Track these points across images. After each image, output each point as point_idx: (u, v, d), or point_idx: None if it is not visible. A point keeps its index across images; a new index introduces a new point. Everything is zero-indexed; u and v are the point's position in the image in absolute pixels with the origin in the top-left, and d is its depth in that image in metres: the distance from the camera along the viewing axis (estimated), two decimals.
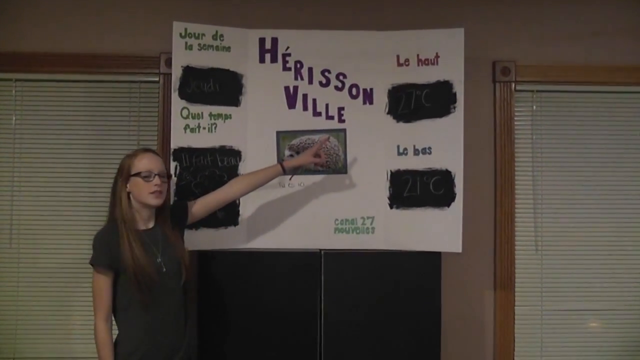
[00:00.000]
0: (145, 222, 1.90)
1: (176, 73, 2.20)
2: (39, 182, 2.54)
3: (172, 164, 2.19)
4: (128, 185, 1.85)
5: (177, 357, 1.87)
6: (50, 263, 2.53)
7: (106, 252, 1.80)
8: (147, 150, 1.93)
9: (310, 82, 2.31)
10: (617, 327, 2.64)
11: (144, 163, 1.85)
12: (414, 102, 2.28)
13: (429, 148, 2.26)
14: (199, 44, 2.24)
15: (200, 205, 2.05)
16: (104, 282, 1.80)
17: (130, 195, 1.86)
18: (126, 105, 2.55)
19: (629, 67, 2.63)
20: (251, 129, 2.30)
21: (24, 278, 2.53)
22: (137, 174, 1.83)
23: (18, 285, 2.52)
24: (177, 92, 2.20)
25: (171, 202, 2.09)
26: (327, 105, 2.31)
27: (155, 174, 1.85)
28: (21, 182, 2.54)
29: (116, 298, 1.82)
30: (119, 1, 2.54)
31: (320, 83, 2.32)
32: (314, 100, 2.31)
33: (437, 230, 2.22)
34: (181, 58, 2.21)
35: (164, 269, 1.85)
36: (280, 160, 2.26)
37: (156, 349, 1.83)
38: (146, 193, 1.83)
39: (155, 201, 1.85)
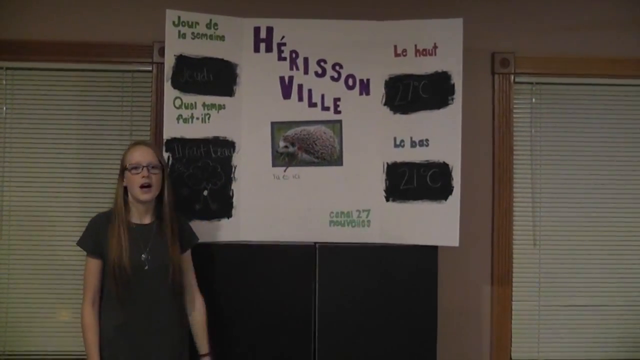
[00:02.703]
0: (140, 217, 1.87)
1: (169, 62, 2.16)
2: (30, 172, 2.51)
3: (165, 155, 2.14)
4: (124, 180, 1.85)
5: (155, 358, 1.83)
6: (41, 255, 2.50)
7: (93, 237, 1.81)
8: (139, 142, 1.93)
9: (306, 72, 2.27)
10: (614, 323, 2.62)
11: (134, 156, 1.84)
12: (411, 93, 2.24)
13: (427, 140, 2.22)
14: (193, 33, 2.20)
15: (186, 272, 1.95)
16: (91, 266, 1.82)
17: (128, 189, 1.86)
18: (119, 94, 2.53)
19: (629, 59, 2.61)
20: (245, 120, 2.26)
21: (15, 270, 2.50)
22: (127, 168, 1.83)
23: (9, 278, 2.49)
24: (169, 82, 2.16)
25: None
26: (322, 96, 2.27)
27: (144, 166, 1.83)
28: (12, 172, 2.51)
29: (102, 286, 1.83)
30: None
31: (316, 73, 2.27)
32: (310, 91, 2.27)
33: (434, 224, 2.19)
34: (174, 47, 2.17)
35: (147, 267, 1.82)
36: None
37: (127, 344, 1.80)
38: (136, 187, 1.82)
39: (144, 197, 1.83)
